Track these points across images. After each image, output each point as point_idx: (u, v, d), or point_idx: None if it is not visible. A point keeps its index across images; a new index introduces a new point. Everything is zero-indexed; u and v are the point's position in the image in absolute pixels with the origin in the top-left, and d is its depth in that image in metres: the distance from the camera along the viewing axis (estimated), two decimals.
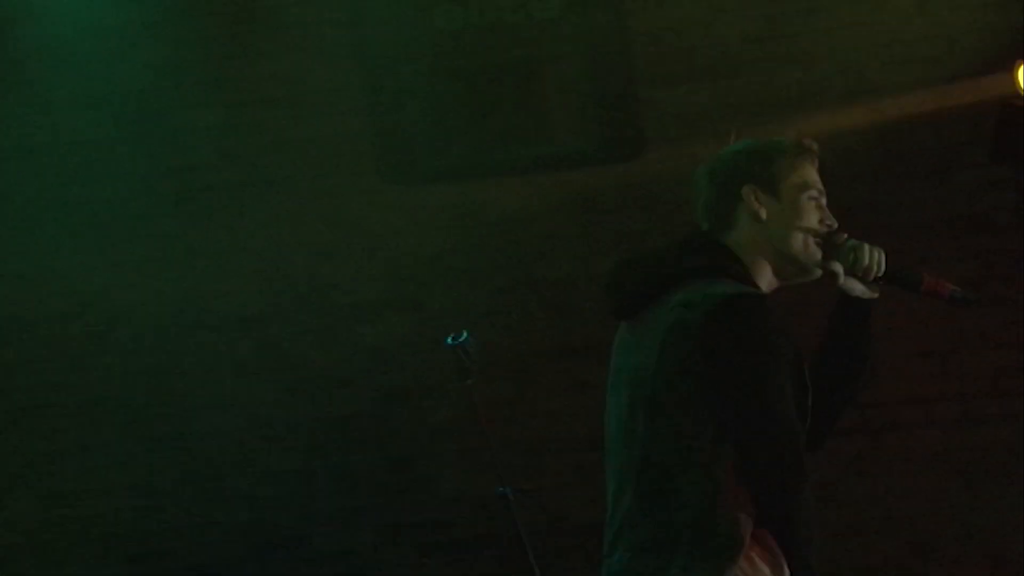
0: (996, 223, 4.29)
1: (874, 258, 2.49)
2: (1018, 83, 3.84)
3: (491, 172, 4.26)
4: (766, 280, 2.49)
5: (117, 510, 4.44)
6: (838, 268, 2.48)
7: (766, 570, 2.36)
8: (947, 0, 4.17)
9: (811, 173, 2.50)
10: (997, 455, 4.23)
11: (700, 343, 2.33)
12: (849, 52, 4.21)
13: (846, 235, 2.46)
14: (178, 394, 4.38)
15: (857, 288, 2.52)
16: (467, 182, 4.31)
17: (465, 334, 3.51)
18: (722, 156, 2.55)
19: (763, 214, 2.45)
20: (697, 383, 2.35)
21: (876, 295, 2.54)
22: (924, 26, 4.18)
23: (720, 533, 2.34)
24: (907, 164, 4.30)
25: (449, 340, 3.55)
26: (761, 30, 4.27)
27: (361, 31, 4.29)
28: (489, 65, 4.25)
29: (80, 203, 4.40)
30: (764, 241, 2.47)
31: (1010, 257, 4.28)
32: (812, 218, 2.47)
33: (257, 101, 4.39)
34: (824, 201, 2.48)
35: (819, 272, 2.47)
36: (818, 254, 2.47)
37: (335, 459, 4.35)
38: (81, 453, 4.44)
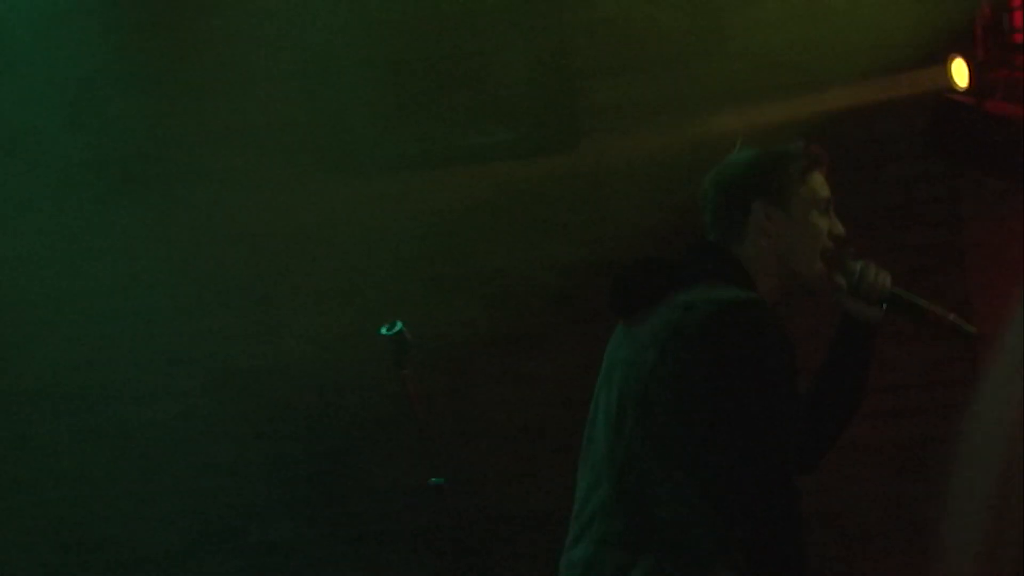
0: (930, 216, 4.36)
1: (879, 279, 2.48)
2: (951, 77, 3.88)
3: (429, 163, 4.26)
4: (769, 291, 2.46)
5: (49, 501, 4.41)
6: (842, 284, 2.47)
7: None
8: None
9: (821, 184, 2.48)
10: (930, 446, 4.29)
11: (699, 346, 2.32)
12: (786, 45, 4.25)
13: (853, 250, 2.45)
14: (111, 385, 4.35)
15: (859, 309, 2.51)
16: (405, 172, 4.32)
17: (399, 324, 3.50)
18: (730, 167, 2.51)
19: (772, 230, 2.44)
20: (693, 386, 2.33)
21: (879, 318, 2.52)
22: (860, 20, 4.22)
23: (694, 538, 2.31)
24: (843, 157, 4.35)
25: (384, 330, 3.55)
26: (700, 23, 4.31)
27: (299, 20, 4.29)
28: (428, 56, 4.25)
29: (13, 192, 4.37)
30: (771, 254, 2.45)
31: (944, 250, 4.35)
32: (821, 232, 2.46)
33: (194, 90, 4.37)
34: (832, 209, 2.46)
35: (822, 287, 2.46)
36: (823, 270, 2.46)
37: (270, 451, 4.34)
38: (14, 443, 4.41)
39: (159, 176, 4.37)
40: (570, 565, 2.40)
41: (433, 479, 3.51)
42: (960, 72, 3.85)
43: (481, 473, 4.19)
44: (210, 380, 4.34)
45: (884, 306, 2.50)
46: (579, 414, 2.50)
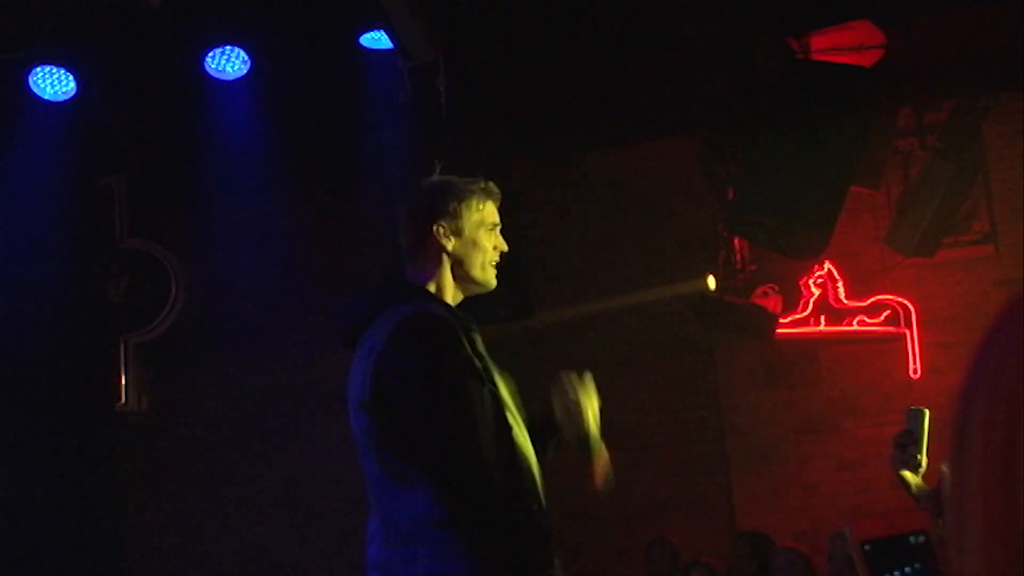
0: (695, 350, 8.05)
1: (577, 426, 2.95)
2: (707, 285, 7.66)
3: None
4: (454, 295, 2.86)
5: None
6: (560, 416, 2.97)
7: None
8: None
9: (491, 212, 2.90)
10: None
11: (383, 355, 2.66)
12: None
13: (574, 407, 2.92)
14: None
15: (564, 424, 2.98)
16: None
17: None
18: (416, 194, 2.92)
19: (448, 247, 2.84)
20: (389, 393, 2.66)
21: (567, 440, 3.01)
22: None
23: (451, 523, 2.59)
24: (650, 327, 8.05)
25: None
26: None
27: None
28: None
29: None
30: (449, 266, 2.85)
31: (706, 370, 8.10)
32: (488, 248, 2.87)
33: None
34: (498, 230, 2.89)
35: (493, 287, 2.88)
36: (491, 278, 2.87)
37: None
38: None
39: None
40: (372, 566, 2.73)
41: None
42: (712, 282, 7.63)
43: None
44: None
45: (577, 439, 2.96)
46: None
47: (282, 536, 7.70)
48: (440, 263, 2.86)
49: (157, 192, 7.66)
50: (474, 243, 2.86)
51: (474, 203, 2.88)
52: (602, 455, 2.99)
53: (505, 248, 2.89)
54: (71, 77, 5.98)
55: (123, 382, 7.18)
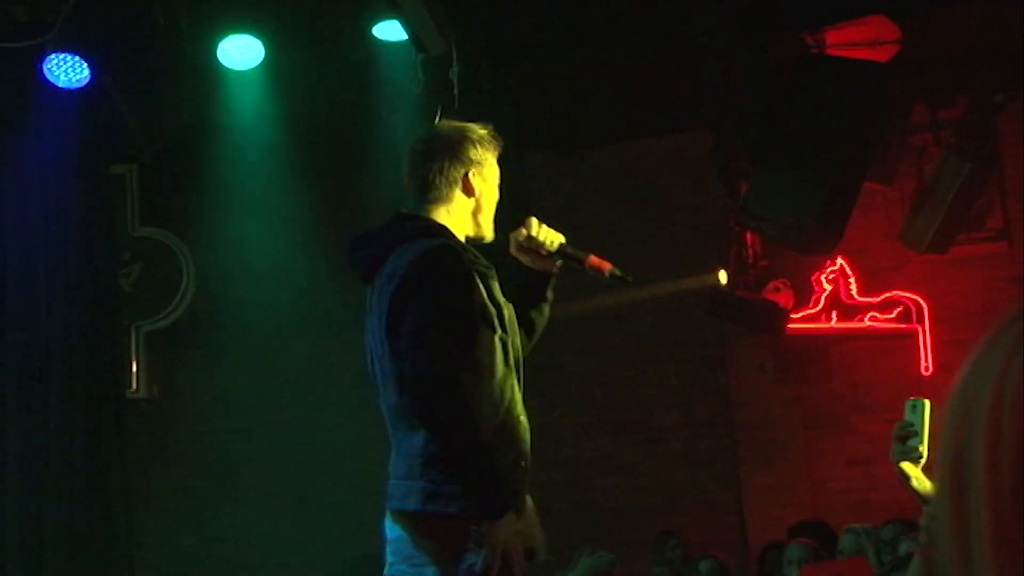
0: (704, 340, 8.01)
1: (547, 237, 2.96)
2: (719, 279, 7.64)
3: None
4: (460, 237, 2.92)
5: None
6: (515, 236, 2.97)
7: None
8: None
9: (496, 161, 2.97)
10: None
11: (404, 281, 2.74)
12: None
13: (533, 219, 2.94)
14: None
15: (536, 262, 2.99)
16: None
17: None
18: (439, 140, 2.95)
19: (474, 192, 2.90)
20: (403, 318, 2.73)
21: (552, 268, 3.01)
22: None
23: (444, 463, 2.67)
24: (665, 320, 8.06)
25: None
26: None
27: None
28: None
29: None
30: (467, 211, 2.90)
31: (716, 365, 8.09)
32: (495, 198, 2.96)
33: None
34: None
35: (490, 238, 2.93)
36: (493, 226, 2.93)
37: None
38: None
39: None
40: (388, 496, 2.81)
41: None
42: (723, 277, 7.62)
43: None
44: None
45: (556, 258, 2.96)
46: None
47: (292, 525, 7.71)
48: (461, 208, 2.90)
49: (169, 181, 7.66)
50: (491, 192, 2.94)
51: (493, 154, 2.96)
52: (586, 252, 2.99)
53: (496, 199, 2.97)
54: (85, 65, 5.98)
55: (134, 370, 7.19)
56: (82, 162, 6.58)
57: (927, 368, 7.43)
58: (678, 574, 6.27)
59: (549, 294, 3.07)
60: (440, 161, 2.91)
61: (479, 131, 2.96)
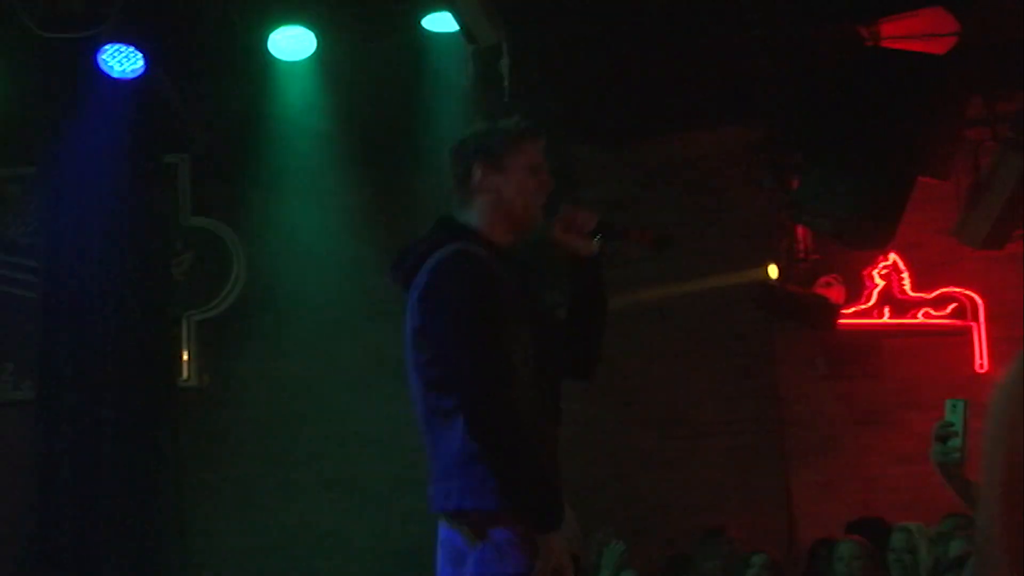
0: (749, 335, 7.92)
1: (585, 218, 2.95)
2: (769, 273, 7.57)
3: None
4: (502, 234, 2.90)
5: None
6: (557, 225, 2.95)
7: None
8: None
9: (534, 151, 2.93)
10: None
11: (424, 290, 2.76)
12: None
13: (567, 204, 2.95)
14: None
15: (577, 244, 2.96)
16: None
17: None
18: (459, 139, 2.97)
19: (490, 187, 2.88)
20: (427, 327, 2.75)
21: (596, 248, 2.95)
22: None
23: (482, 461, 2.65)
24: (717, 310, 7.99)
25: None
26: None
27: None
28: None
29: None
30: (495, 207, 2.89)
31: (763, 360, 8.02)
32: (530, 187, 2.91)
33: None
34: (543, 170, 2.93)
35: (536, 229, 2.92)
36: (536, 217, 2.92)
37: None
38: None
39: None
40: (429, 499, 2.80)
41: None
42: (774, 271, 7.57)
43: None
44: None
45: (597, 238, 2.92)
46: None
47: (340, 514, 7.74)
48: (488, 205, 2.89)
49: (221, 171, 7.72)
50: (520, 183, 2.89)
51: (519, 144, 2.91)
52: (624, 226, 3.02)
53: (550, 188, 2.93)
54: (140, 55, 6.03)
55: (185, 359, 7.26)
56: (135, 152, 6.63)
57: (982, 365, 7.33)
58: (728, 570, 6.22)
59: (602, 277, 3.04)
60: (466, 162, 2.92)
61: (501, 124, 2.96)
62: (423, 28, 6.14)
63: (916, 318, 7.48)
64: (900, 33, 5.90)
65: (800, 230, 7.36)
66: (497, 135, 2.93)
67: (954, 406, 2.66)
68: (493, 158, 2.90)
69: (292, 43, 6.26)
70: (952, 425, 2.64)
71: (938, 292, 7.48)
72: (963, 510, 4.15)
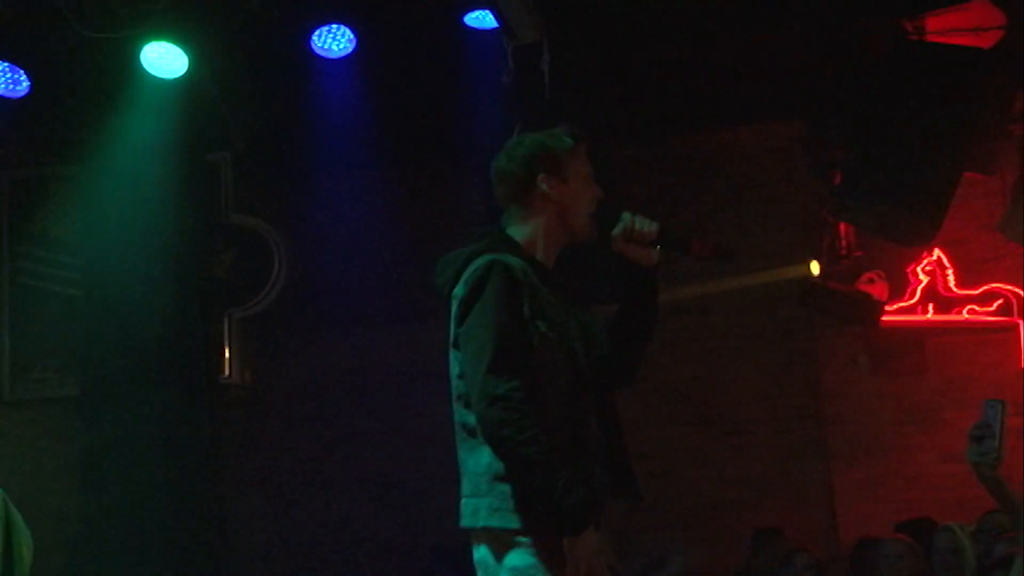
0: (795, 333, 7.87)
1: (647, 226, 2.89)
2: (811, 270, 7.51)
3: None
4: (554, 243, 2.91)
5: None
6: (617, 233, 2.90)
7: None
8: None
9: (584, 159, 2.94)
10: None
11: (459, 301, 2.78)
12: None
13: (631, 215, 2.89)
14: None
15: (637, 253, 2.92)
16: None
17: None
18: (516, 149, 2.93)
19: (555, 196, 2.88)
20: (459, 338, 2.77)
21: (655, 258, 2.93)
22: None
23: (509, 480, 2.65)
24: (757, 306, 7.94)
25: None
26: None
27: None
28: None
29: None
30: (554, 216, 2.90)
31: (806, 357, 7.96)
32: (587, 196, 2.92)
33: None
34: (592, 177, 2.94)
35: (592, 238, 2.92)
36: (593, 225, 2.90)
37: None
38: None
39: None
40: (461, 514, 2.79)
41: None
42: (816, 267, 7.51)
43: None
44: None
45: (658, 247, 2.90)
46: None
47: (377, 512, 7.76)
48: (543, 214, 2.89)
49: (262, 169, 7.75)
50: (576, 193, 2.89)
51: (574, 153, 2.91)
52: (687, 235, 2.95)
53: (602, 196, 2.92)
54: (183, 54, 6.07)
55: (227, 356, 7.30)
56: (178, 151, 6.68)
57: None
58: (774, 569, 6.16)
59: (657, 287, 3.01)
60: (529, 173, 2.90)
61: (554, 133, 2.95)
62: (463, 25, 6.13)
63: (961, 315, 7.39)
64: (945, 27, 5.83)
65: (843, 226, 7.30)
66: (558, 145, 2.92)
67: (991, 406, 2.63)
68: (557, 168, 2.89)
69: (332, 41, 6.27)
70: (989, 426, 2.61)
71: (983, 288, 7.39)
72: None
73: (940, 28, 5.81)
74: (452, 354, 2.81)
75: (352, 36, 6.26)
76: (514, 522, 2.65)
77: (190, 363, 6.63)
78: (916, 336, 7.57)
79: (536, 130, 3.00)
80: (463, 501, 2.77)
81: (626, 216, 2.91)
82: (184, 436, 6.51)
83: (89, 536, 6.46)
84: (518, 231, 2.91)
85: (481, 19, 6.01)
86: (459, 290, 2.78)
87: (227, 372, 7.29)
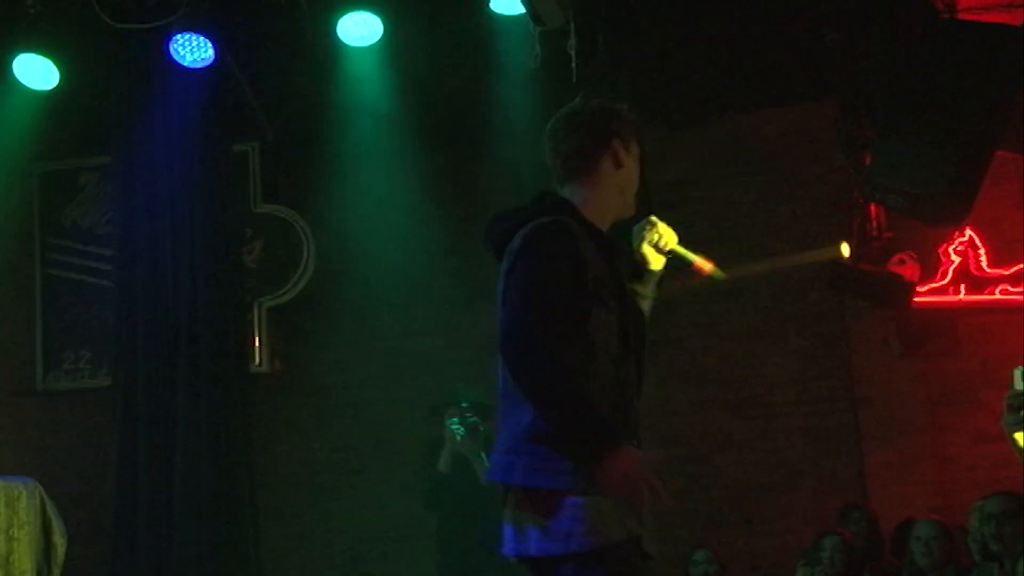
0: (824, 316, 7.84)
1: (668, 236, 2.96)
2: (841, 252, 7.45)
3: None
4: (606, 211, 2.89)
5: None
6: (639, 230, 2.96)
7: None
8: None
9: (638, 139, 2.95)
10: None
11: (516, 256, 2.73)
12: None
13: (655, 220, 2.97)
14: None
15: (650, 256, 2.97)
16: None
17: None
18: (587, 111, 2.91)
19: (624, 164, 2.88)
20: (512, 275, 2.71)
21: (660, 269, 2.98)
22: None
23: (551, 438, 2.61)
24: (789, 291, 7.92)
25: None
26: None
27: None
28: None
29: None
30: (613, 185, 2.88)
31: (838, 340, 7.92)
32: (638, 174, 2.94)
33: None
34: None
35: (630, 215, 2.93)
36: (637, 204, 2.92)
37: None
38: None
39: None
40: (491, 468, 2.78)
41: None
42: (846, 249, 7.42)
43: None
44: None
45: (668, 257, 2.96)
46: None
47: (410, 499, 7.79)
48: (605, 186, 2.85)
49: (290, 158, 7.77)
50: (634, 170, 2.90)
51: (634, 129, 2.92)
52: (696, 255, 2.99)
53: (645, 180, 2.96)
54: (209, 44, 6.09)
55: (257, 344, 7.33)
56: (206, 140, 6.71)
57: None
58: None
59: (652, 292, 3.01)
60: (583, 138, 2.86)
61: (620, 106, 2.95)
62: (490, 10, 6.12)
63: (993, 295, 7.32)
64: (976, 4, 5.77)
65: (873, 207, 7.24)
66: (618, 115, 2.91)
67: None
68: (627, 140, 2.88)
69: (360, 28, 6.27)
70: (1023, 394, 2.58)
71: (1016, 268, 7.32)
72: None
73: (971, 5, 5.74)
74: (500, 312, 2.75)
75: (379, 23, 6.26)
76: (556, 483, 2.60)
77: (221, 352, 6.67)
78: (948, 317, 7.51)
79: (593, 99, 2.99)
80: (496, 456, 2.73)
81: (653, 219, 2.95)
82: (216, 424, 6.56)
83: (123, 525, 6.52)
84: (577, 197, 2.87)
85: (507, 4, 6.00)
86: (515, 243, 2.73)
87: (258, 360, 7.33)
